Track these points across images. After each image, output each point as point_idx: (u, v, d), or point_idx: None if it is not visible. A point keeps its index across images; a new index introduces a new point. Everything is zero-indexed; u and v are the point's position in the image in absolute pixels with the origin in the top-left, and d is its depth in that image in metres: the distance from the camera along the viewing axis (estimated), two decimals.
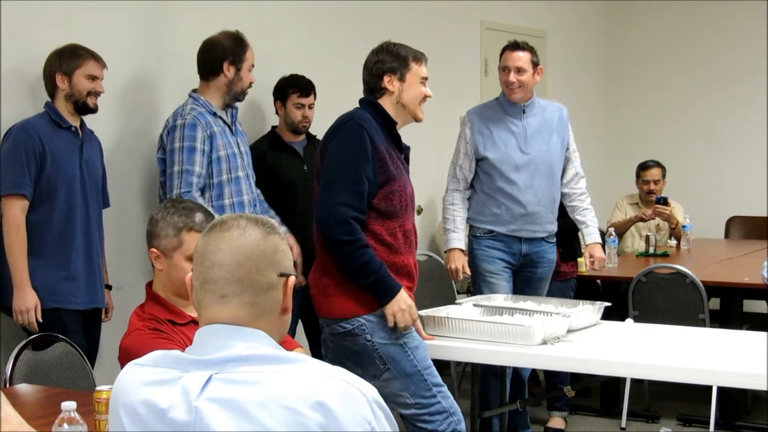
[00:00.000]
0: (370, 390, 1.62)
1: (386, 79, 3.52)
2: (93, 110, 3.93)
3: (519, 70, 4.59)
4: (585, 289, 5.47)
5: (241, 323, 1.68)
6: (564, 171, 4.77)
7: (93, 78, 3.90)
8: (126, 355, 2.61)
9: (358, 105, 3.59)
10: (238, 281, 1.69)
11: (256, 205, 4.35)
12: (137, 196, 4.49)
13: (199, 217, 2.81)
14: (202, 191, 4.11)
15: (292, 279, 1.74)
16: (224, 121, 4.28)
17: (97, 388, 2.40)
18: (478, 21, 6.96)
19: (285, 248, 1.76)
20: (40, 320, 3.71)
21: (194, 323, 2.72)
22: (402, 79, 3.52)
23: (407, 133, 5.62)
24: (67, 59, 3.87)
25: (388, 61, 3.54)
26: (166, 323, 2.74)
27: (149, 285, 2.87)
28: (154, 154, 4.34)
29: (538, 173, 4.59)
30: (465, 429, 3.47)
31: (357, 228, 3.26)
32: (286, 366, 1.61)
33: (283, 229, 1.77)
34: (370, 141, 3.35)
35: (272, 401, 1.56)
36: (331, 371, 1.62)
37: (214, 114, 4.23)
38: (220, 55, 4.25)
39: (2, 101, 3.93)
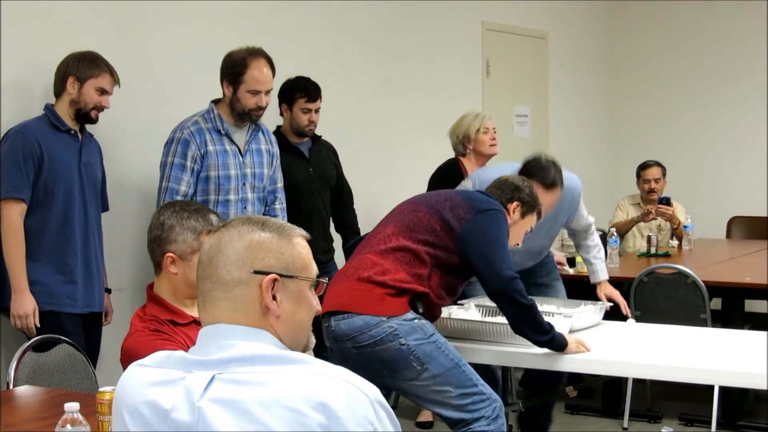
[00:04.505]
0: (372, 390, 1.62)
1: (513, 205, 3.76)
2: (93, 121, 3.93)
3: None
4: (586, 289, 5.46)
5: (219, 320, 1.70)
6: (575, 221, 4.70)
7: (103, 92, 3.89)
8: (127, 357, 2.62)
9: None
10: (208, 278, 1.72)
11: None
12: (137, 200, 4.49)
13: (214, 219, 2.87)
14: None
15: (268, 277, 1.71)
16: (232, 140, 4.20)
17: (100, 389, 2.40)
18: (479, 21, 6.96)
19: (273, 246, 1.73)
20: (38, 325, 3.70)
21: (195, 323, 2.73)
22: (523, 216, 3.78)
23: (410, 134, 5.64)
24: (85, 66, 3.86)
25: (525, 197, 3.79)
26: (167, 324, 2.75)
27: (150, 287, 2.87)
28: (153, 158, 4.35)
29: (527, 254, 4.55)
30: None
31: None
32: (288, 366, 1.61)
33: (295, 231, 1.74)
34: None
35: (274, 401, 1.56)
36: (334, 372, 1.62)
37: (219, 132, 4.17)
38: (222, 71, 4.21)
39: (2, 104, 3.93)
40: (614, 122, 8.70)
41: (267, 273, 1.71)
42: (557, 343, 3.58)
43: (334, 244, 5.08)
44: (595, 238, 4.73)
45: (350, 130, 5.67)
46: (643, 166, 6.82)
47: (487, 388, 3.50)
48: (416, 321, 3.45)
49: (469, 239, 3.53)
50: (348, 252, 3.96)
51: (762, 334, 4.18)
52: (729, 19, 8.19)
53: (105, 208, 4.11)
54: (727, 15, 8.19)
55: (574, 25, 8.17)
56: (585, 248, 4.77)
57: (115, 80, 3.94)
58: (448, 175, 5.19)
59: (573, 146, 8.15)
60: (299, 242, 1.78)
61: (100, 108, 3.91)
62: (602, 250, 4.75)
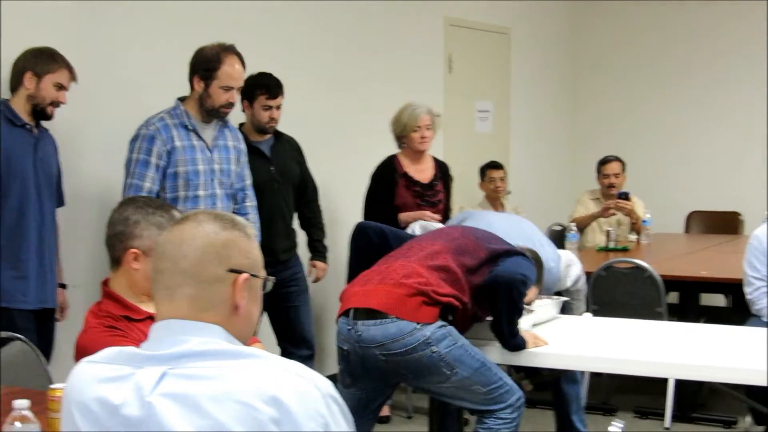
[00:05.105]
0: (325, 384, 1.63)
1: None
2: (49, 117, 3.91)
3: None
4: None
5: (184, 316, 1.68)
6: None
7: (60, 87, 3.88)
8: (82, 353, 2.58)
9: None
10: (181, 272, 1.69)
11: None
12: (93, 195, 4.46)
13: (177, 215, 2.84)
14: None
15: (243, 276, 1.73)
16: (199, 136, 4.15)
17: (51, 386, 2.39)
18: (442, 17, 6.98)
19: (244, 245, 1.74)
20: None
21: (151, 319, 2.70)
22: None
23: (373, 130, 5.64)
24: (43, 61, 3.84)
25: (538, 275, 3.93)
26: (121, 320, 2.73)
27: (105, 283, 2.86)
28: (110, 152, 4.33)
29: None
30: None
31: None
32: (240, 361, 1.62)
33: (254, 231, 1.77)
34: None
35: (225, 396, 1.57)
36: (286, 366, 1.62)
37: (186, 127, 4.12)
38: (192, 66, 4.16)
39: None
40: (575, 118, 8.76)
41: (240, 272, 1.72)
42: (520, 346, 3.68)
43: (298, 239, 5.09)
44: (578, 284, 4.66)
45: (311, 125, 5.67)
46: (603, 161, 6.88)
47: (509, 380, 3.60)
48: (446, 328, 3.49)
49: (507, 259, 3.67)
50: (362, 251, 4.03)
51: (717, 327, 4.24)
52: (690, 17, 8.27)
53: (61, 203, 4.08)
54: (687, 13, 8.27)
55: (536, 21, 8.21)
56: (568, 293, 4.69)
57: (73, 76, 3.92)
58: (383, 173, 5.25)
59: (534, 142, 8.20)
60: (256, 242, 1.81)
61: (56, 104, 3.89)
62: (583, 291, 4.70)
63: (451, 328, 3.52)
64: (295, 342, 4.97)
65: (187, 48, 4.26)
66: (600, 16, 8.69)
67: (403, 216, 5.06)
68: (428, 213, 5.02)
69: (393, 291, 3.48)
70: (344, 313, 3.55)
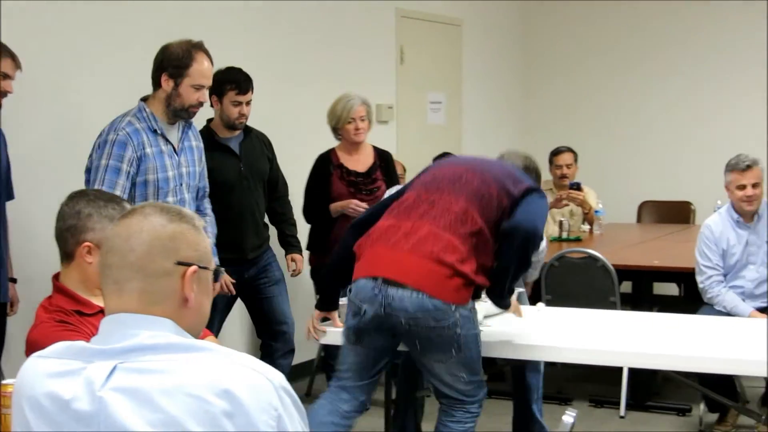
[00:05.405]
0: (277, 377, 1.62)
1: None
2: None
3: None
4: None
5: (134, 310, 1.67)
6: None
7: (5, 77, 3.81)
8: (32, 349, 2.54)
9: None
10: (129, 266, 1.68)
11: None
12: (45, 189, 4.40)
13: (128, 206, 2.81)
14: None
15: (191, 269, 1.71)
16: (167, 139, 3.96)
17: (3, 381, 2.35)
18: (393, 8, 6.97)
19: (191, 238, 1.73)
20: None
21: (103, 313, 2.68)
22: None
23: (323, 124, 5.64)
24: None
25: None
26: (73, 314, 2.70)
27: (55, 277, 2.82)
28: (63, 146, 4.27)
29: None
30: None
31: None
32: (192, 354, 1.61)
33: (202, 222, 1.74)
34: None
35: (177, 389, 1.56)
36: (238, 359, 1.61)
37: (155, 131, 3.91)
38: (160, 64, 3.93)
39: None
40: (526, 109, 8.81)
41: (189, 264, 1.70)
42: (506, 306, 3.72)
43: (269, 233, 5.08)
44: (539, 255, 4.68)
45: (263, 121, 5.62)
46: (555, 152, 6.93)
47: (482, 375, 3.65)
48: (473, 310, 3.51)
49: (525, 202, 3.57)
50: (356, 232, 3.80)
51: (670, 315, 4.29)
52: (638, 9, 8.36)
53: (10, 196, 4.02)
54: (636, 5, 8.36)
55: (488, 13, 8.24)
56: None
57: (17, 65, 3.86)
58: (318, 166, 5.28)
59: (486, 133, 8.24)
60: (204, 233, 1.79)
61: (3, 93, 3.82)
62: (540, 263, 4.79)
63: (476, 310, 3.54)
64: (273, 335, 4.95)
65: (137, 42, 4.21)
66: (550, 7, 8.74)
67: (333, 206, 5.13)
68: (354, 202, 5.05)
69: (433, 269, 3.40)
70: (370, 275, 3.46)
